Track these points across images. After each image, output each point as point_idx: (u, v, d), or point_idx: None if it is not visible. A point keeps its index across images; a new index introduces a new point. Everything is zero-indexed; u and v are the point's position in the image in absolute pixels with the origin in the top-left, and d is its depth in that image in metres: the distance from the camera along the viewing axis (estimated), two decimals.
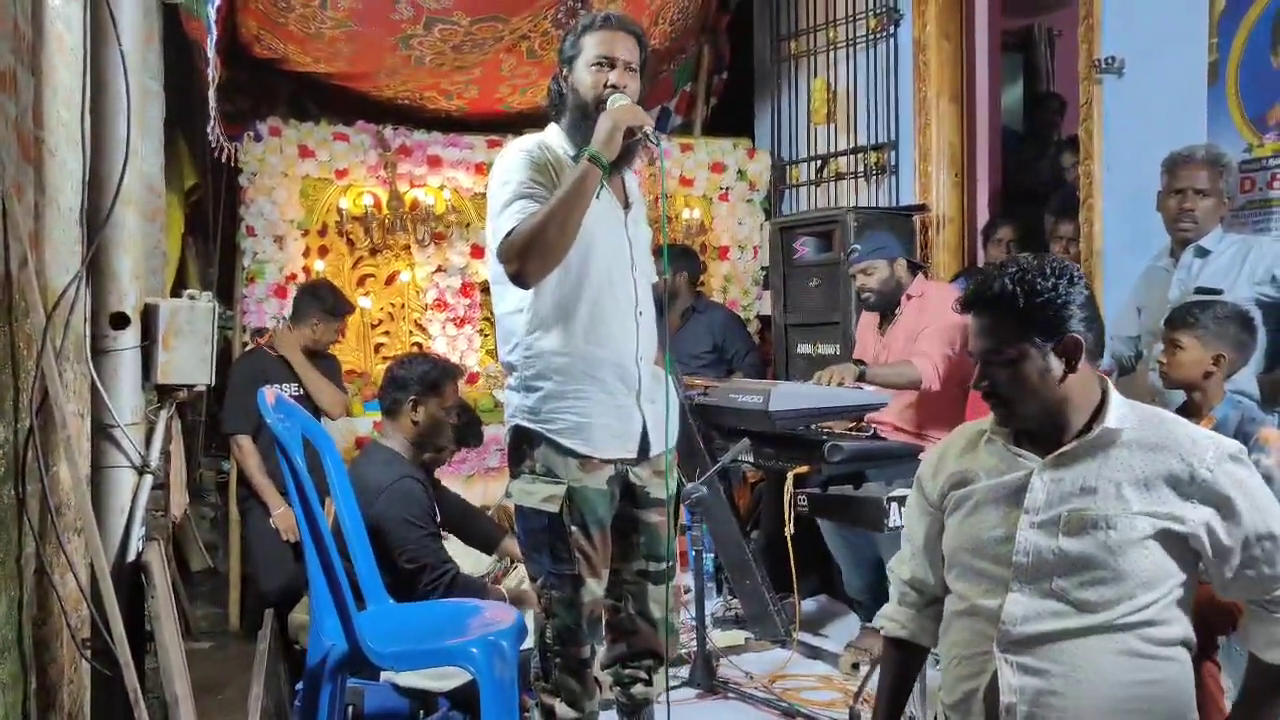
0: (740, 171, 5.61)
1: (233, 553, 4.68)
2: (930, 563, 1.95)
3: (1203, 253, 3.16)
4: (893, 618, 2.02)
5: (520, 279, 2.25)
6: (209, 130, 3.96)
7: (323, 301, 4.25)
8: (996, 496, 1.80)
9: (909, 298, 3.81)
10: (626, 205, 2.48)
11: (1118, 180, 3.83)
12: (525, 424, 2.38)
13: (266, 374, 4.13)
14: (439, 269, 5.13)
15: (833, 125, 5.39)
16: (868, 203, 5.13)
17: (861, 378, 3.52)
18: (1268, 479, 2.65)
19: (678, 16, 5.21)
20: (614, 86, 2.34)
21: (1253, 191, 3.33)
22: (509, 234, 2.23)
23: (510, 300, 2.38)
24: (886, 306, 3.86)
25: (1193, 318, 2.80)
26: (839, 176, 5.36)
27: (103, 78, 2.21)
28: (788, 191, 5.70)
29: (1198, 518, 1.68)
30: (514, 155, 2.36)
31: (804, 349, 4.83)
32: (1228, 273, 3.09)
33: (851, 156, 5.28)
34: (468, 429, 3.69)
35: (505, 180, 2.32)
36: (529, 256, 2.21)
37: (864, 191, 5.23)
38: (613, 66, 2.36)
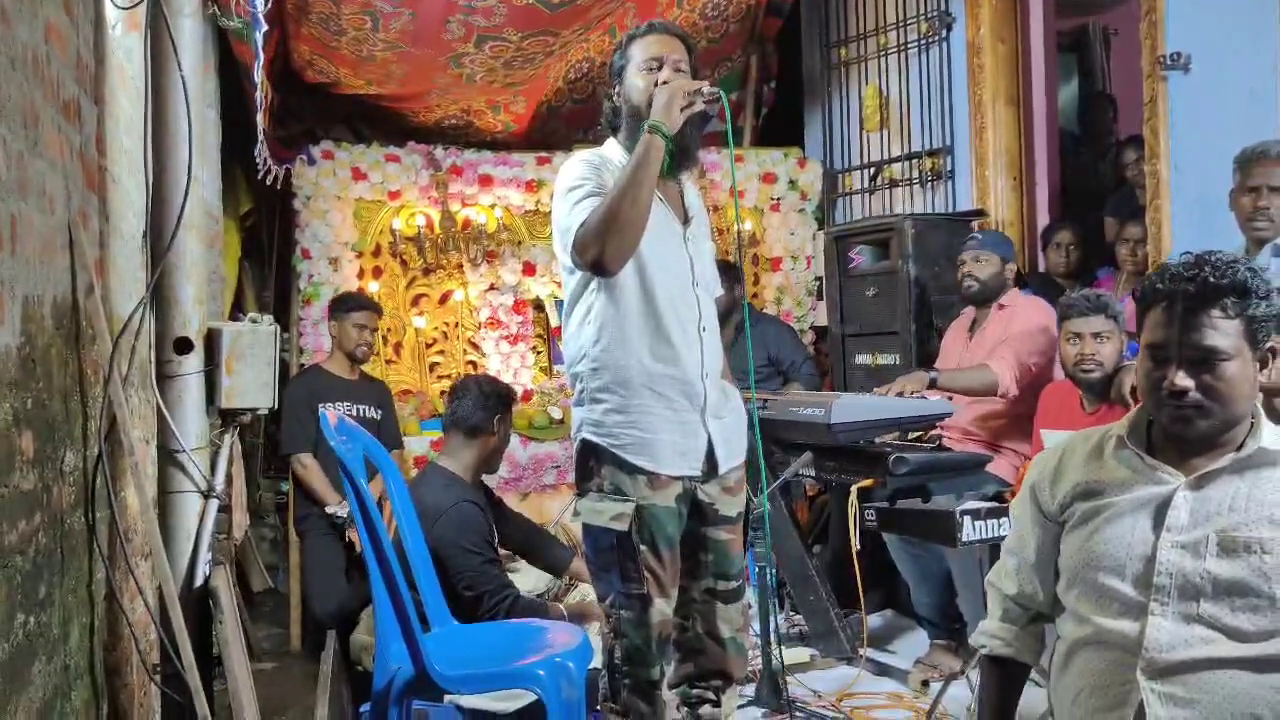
0: (791, 181, 5.55)
1: (293, 573, 4.70)
2: (1041, 578, 1.83)
3: None
4: (995, 634, 1.90)
5: (600, 265, 2.22)
6: (256, 153, 4.00)
7: (335, 305, 4.32)
8: (1133, 511, 1.67)
9: (1001, 306, 3.77)
10: (685, 220, 2.45)
11: (1186, 180, 3.72)
12: (591, 437, 2.35)
13: (321, 393, 4.17)
14: (491, 287, 5.14)
15: (886, 132, 5.32)
16: (923, 209, 5.05)
17: (933, 385, 3.45)
18: None
19: (712, 11, 5.12)
20: (665, 83, 2.32)
21: None
22: (582, 225, 2.22)
23: (577, 314, 2.36)
24: (983, 302, 3.83)
25: None
26: (893, 183, 5.28)
27: (163, 106, 2.23)
28: (840, 200, 5.63)
29: None
30: (575, 165, 2.36)
31: (863, 359, 4.75)
32: None
33: (906, 163, 5.20)
34: None
35: (570, 186, 2.31)
36: (607, 239, 2.19)
37: (919, 198, 5.15)
38: (662, 66, 2.35)
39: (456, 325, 5.17)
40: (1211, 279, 1.61)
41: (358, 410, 4.22)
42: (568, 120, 5.39)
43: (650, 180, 2.20)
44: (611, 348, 2.32)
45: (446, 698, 2.69)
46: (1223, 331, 1.61)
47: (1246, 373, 1.62)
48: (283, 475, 5.65)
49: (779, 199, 5.53)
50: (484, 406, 3.19)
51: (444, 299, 5.15)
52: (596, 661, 2.50)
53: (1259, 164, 3.07)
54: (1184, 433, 1.66)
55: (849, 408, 3.18)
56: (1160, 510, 1.65)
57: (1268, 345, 1.63)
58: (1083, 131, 6.02)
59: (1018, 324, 3.68)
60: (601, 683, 2.40)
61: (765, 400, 3.61)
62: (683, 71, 2.37)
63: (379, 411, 4.32)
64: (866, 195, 5.46)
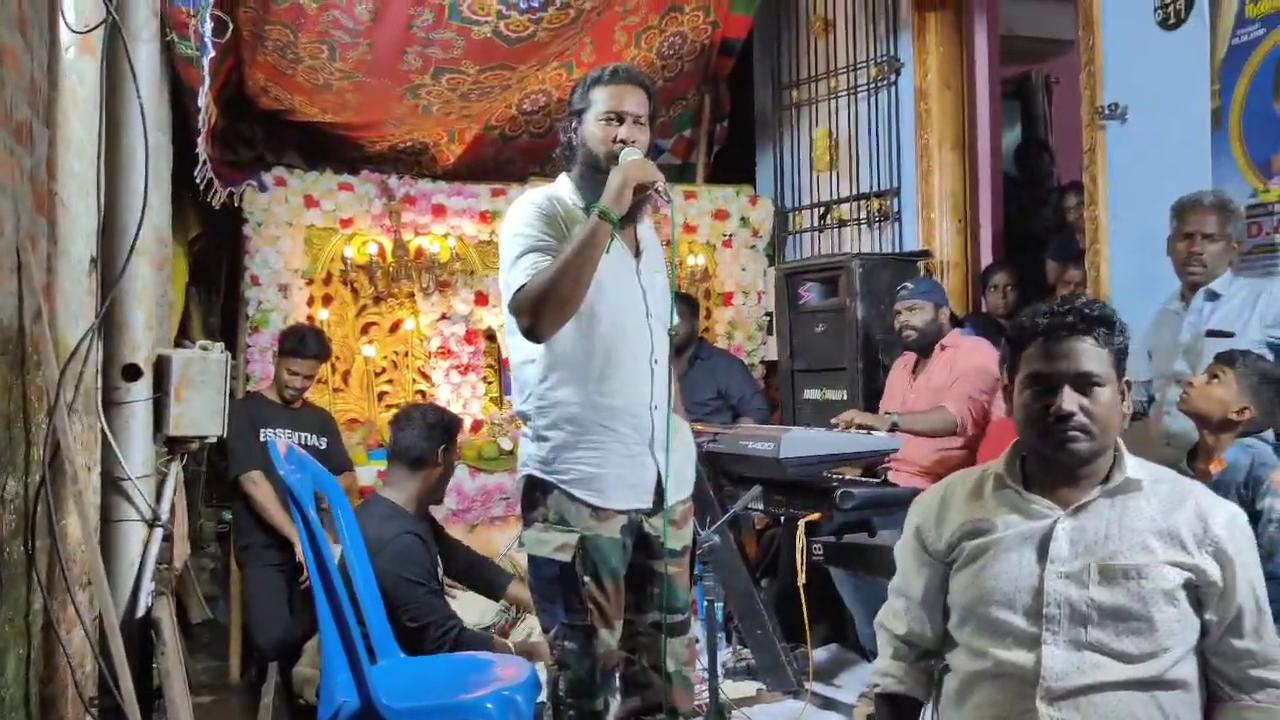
0: (743, 218, 5.63)
1: (233, 604, 4.62)
2: (929, 617, 1.89)
3: (1213, 296, 3.17)
4: (888, 673, 1.94)
5: (533, 334, 2.25)
6: (196, 175, 3.97)
7: (282, 342, 4.30)
8: (1018, 545, 1.75)
9: (943, 348, 3.89)
10: (638, 253, 2.48)
11: (1124, 226, 3.84)
12: (537, 473, 2.36)
13: (262, 418, 4.14)
14: (443, 316, 5.13)
15: (835, 172, 5.43)
16: (871, 249, 5.15)
17: (894, 428, 3.53)
18: None
19: (668, 52, 5.21)
20: (624, 141, 2.35)
21: (1259, 236, 3.34)
22: (521, 289, 2.23)
23: (523, 350, 2.37)
24: (923, 348, 3.95)
25: (1246, 364, 2.80)
26: (842, 223, 5.38)
27: (117, 130, 2.22)
28: (790, 238, 5.72)
29: (1213, 571, 1.68)
30: (524, 208, 2.36)
31: (811, 394, 4.81)
32: (1239, 316, 3.09)
33: (855, 203, 5.31)
34: None
35: (516, 233, 2.32)
36: (542, 312, 2.21)
37: (867, 238, 5.25)
38: (621, 121, 2.37)
39: (406, 354, 5.15)
40: (1085, 311, 1.75)
41: (300, 438, 4.19)
42: (525, 153, 5.42)
43: (593, 263, 2.23)
44: (558, 385, 2.33)
45: None
46: (1098, 359, 1.74)
47: (1116, 400, 1.75)
48: (224, 504, 5.56)
49: (731, 235, 5.60)
50: (428, 437, 3.17)
51: (394, 328, 5.13)
52: (544, 696, 2.49)
53: (1193, 212, 3.19)
54: (1071, 457, 1.74)
55: (798, 442, 3.22)
56: (1043, 543, 1.74)
57: (1125, 379, 1.77)
58: (1023, 176, 6.19)
59: (963, 363, 3.77)
60: (546, 716, 2.40)
61: (715, 434, 3.65)
62: (642, 125, 2.40)
63: (322, 439, 4.28)
64: (816, 233, 5.56)
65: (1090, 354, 1.72)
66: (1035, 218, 5.67)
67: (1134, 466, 1.76)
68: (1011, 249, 5.15)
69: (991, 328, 4.37)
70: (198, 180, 3.98)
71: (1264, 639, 1.70)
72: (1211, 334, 3.11)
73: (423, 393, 5.09)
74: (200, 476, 5.57)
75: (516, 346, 2.39)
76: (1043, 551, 1.73)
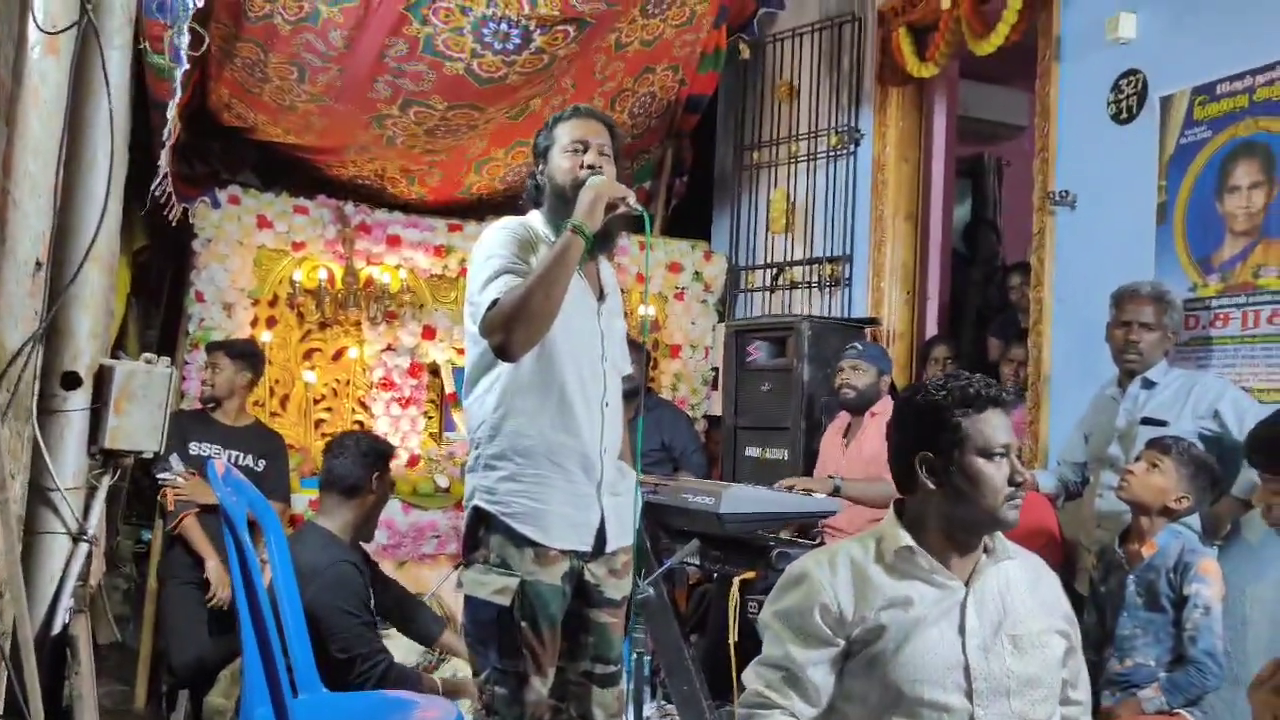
0: (697, 273, 5.67)
1: (145, 627, 4.47)
2: (814, 695, 1.76)
3: (1149, 384, 3.25)
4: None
5: (505, 351, 2.23)
6: (154, 187, 3.90)
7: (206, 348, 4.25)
8: (936, 621, 1.76)
9: (873, 415, 3.92)
10: (601, 296, 2.49)
11: (1067, 309, 3.94)
12: (483, 504, 2.34)
13: (190, 431, 4.06)
14: (388, 348, 5.07)
15: (790, 235, 5.51)
16: (820, 312, 5.22)
17: (836, 492, 3.55)
18: (1206, 609, 2.72)
19: (639, 110, 5.28)
20: (590, 167, 2.37)
21: (1196, 329, 3.45)
22: (493, 305, 2.22)
23: (482, 382, 2.36)
24: (858, 409, 4.00)
25: (1181, 452, 2.87)
26: (794, 285, 5.45)
27: (79, 135, 2.18)
28: (741, 296, 5.78)
29: (1074, 634, 1.84)
30: (496, 233, 2.37)
31: (753, 452, 4.84)
32: (1172, 405, 3.18)
33: (807, 267, 5.39)
34: None
35: (489, 255, 2.32)
36: (514, 328, 2.20)
37: (817, 301, 5.32)
38: (586, 149, 2.40)
39: (348, 383, 5.08)
40: (997, 388, 1.85)
41: (231, 456, 4.08)
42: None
43: (566, 277, 2.23)
44: (511, 415, 2.32)
45: None
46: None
47: None
48: (144, 523, 5.40)
49: (683, 288, 5.64)
50: (361, 465, 3.11)
51: (338, 355, 5.06)
52: None
53: (1131, 301, 3.29)
54: (1013, 524, 1.81)
55: (739, 499, 3.23)
56: (958, 616, 1.77)
57: None
58: (970, 253, 6.34)
59: None
60: None
61: (656, 485, 3.64)
62: (606, 155, 2.42)
63: (260, 462, 4.19)
64: (767, 293, 5.62)
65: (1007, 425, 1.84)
66: (980, 294, 5.79)
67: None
68: (955, 323, 5.26)
69: None
70: (156, 194, 3.91)
71: (1084, 688, 1.89)
72: (1146, 421, 3.19)
73: (361, 423, 5.01)
74: (121, 492, 5.41)
75: (475, 379, 2.38)
76: (961, 625, 1.75)
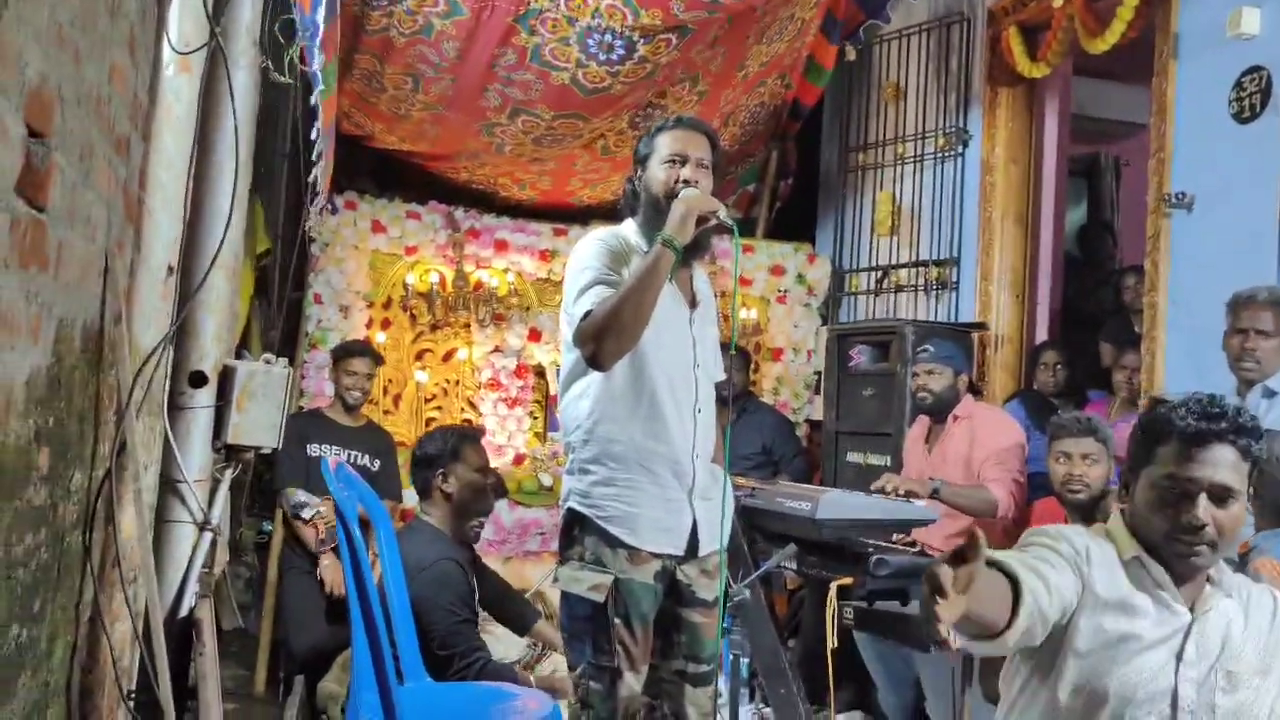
0: (800, 276, 5.67)
1: (266, 615, 4.68)
2: (1053, 595, 1.66)
3: (1270, 394, 3.13)
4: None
5: (596, 361, 2.30)
6: (310, 205, 4.08)
7: (334, 353, 4.40)
8: (1154, 645, 1.69)
9: (956, 418, 3.83)
10: (693, 304, 2.53)
11: (1182, 314, 3.82)
12: (578, 507, 2.40)
13: (313, 434, 4.23)
14: (496, 349, 5.21)
15: (896, 237, 5.45)
16: (926, 316, 5.15)
17: (935, 495, 3.51)
18: None
19: (748, 121, 5.35)
20: (686, 181, 2.41)
21: None
22: (585, 316, 2.29)
23: (576, 386, 2.42)
24: (938, 413, 3.90)
25: None
26: (899, 288, 5.39)
27: (208, 149, 2.32)
28: (845, 299, 5.74)
29: None
30: (591, 244, 2.43)
31: (854, 458, 4.81)
32: None
33: (913, 270, 5.32)
34: (499, 485, 3.70)
35: (583, 267, 2.38)
36: (605, 339, 2.26)
37: (923, 305, 5.25)
38: (684, 163, 2.43)
39: (457, 383, 5.23)
40: (1239, 421, 1.68)
41: (350, 456, 4.26)
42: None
43: (656, 290, 2.28)
44: (604, 421, 2.38)
45: None
46: (1239, 472, 1.68)
47: (1244, 513, 1.70)
48: (266, 515, 5.65)
49: (786, 291, 5.64)
50: (419, 470, 3.21)
51: (448, 356, 5.22)
52: None
53: (1247, 308, 3.17)
54: (1190, 568, 1.70)
55: (836, 504, 3.22)
56: (1179, 643, 1.70)
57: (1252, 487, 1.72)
58: (1084, 256, 6.16)
59: (990, 439, 3.71)
60: None
61: (754, 489, 3.66)
62: (705, 168, 2.46)
63: (375, 461, 4.35)
64: (872, 296, 5.57)
65: (1233, 466, 1.67)
66: (1093, 298, 5.63)
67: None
68: (1067, 327, 5.12)
69: (1041, 405, 4.34)
70: (313, 212, 4.09)
71: None
72: (1268, 433, 3.07)
73: (469, 421, 5.16)
74: (245, 486, 5.67)
75: (570, 382, 2.45)
76: (1179, 652, 1.69)
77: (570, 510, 2.43)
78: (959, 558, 1.38)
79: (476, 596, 3.20)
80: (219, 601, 5.31)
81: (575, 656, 2.40)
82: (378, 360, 4.47)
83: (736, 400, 4.85)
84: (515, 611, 3.53)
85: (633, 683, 2.37)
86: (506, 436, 5.16)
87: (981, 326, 4.86)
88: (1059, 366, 4.50)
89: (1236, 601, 1.75)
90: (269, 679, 4.60)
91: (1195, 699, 1.67)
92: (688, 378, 2.45)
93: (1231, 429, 1.67)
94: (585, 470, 2.40)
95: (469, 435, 3.31)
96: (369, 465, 4.31)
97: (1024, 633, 1.60)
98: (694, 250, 2.40)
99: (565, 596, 2.41)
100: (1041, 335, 4.95)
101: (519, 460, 5.15)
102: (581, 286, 2.34)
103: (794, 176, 5.99)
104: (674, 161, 2.44)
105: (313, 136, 3.23)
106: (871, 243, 5.59)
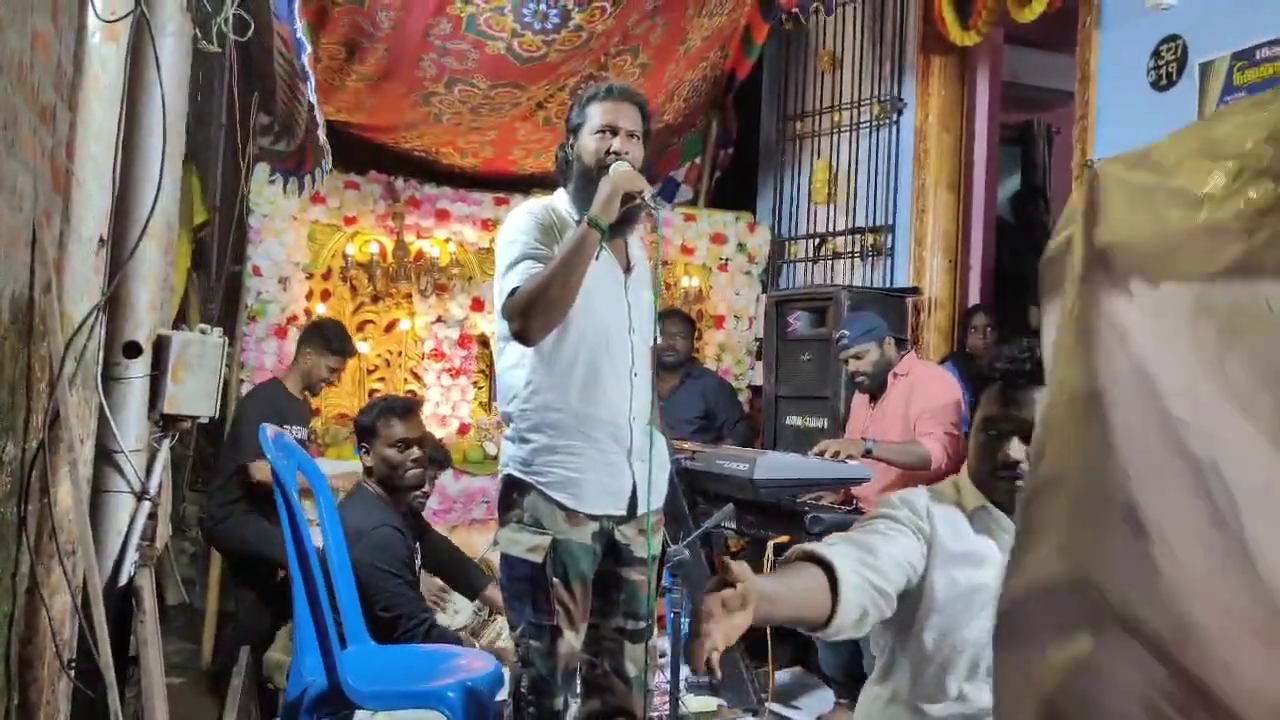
0: (740, 244, 5.73)
1: (211, 589, 4.67)
2: (890, 577, 1.69)
3: None
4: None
5: (523, 336, 2.34)
6: (314, 168, 4.04)
7: (325, 338, 4.31)
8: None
9: (895, 376, 3.90)
10: (628, 269, 2.57)
11: None
12: (516, 474, 2.44)
13: (284, 411, 4.15)
14: (438, 319, 5.22)
15: (833, 205, 5.53)
16: (862, 282, 5.25)
17: (868, 454, 3.59)
18: None
19: (691, 94, 5.39)
20: (615, 153, 2.44)
21: None
22: (513, 293, 2.33)
23: (511, 355, 2.46)
24: (881, 386, 3.95)
25: None
26: (836, 255, 5.49)
27: (136, 118, 2.31)
28: (785, 266, 5.83)
29: None
30: (521, 217, 2.46)
31: (793, 421, 4.91)
32: None
33: (849, 236, 5.42)
34: (433, 457, 3.66)
35: (511, 240, 2.42)
36: (531, 315, 2.30)
37: (859, 271, 5.35)
38: (615, 134, 2.46)
39: (400, 354, 5.23)
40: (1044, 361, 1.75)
41: (302, 432, 4.27)
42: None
43: (581, 269, 2.32)
44: (541, 390, 2.42)
45: (358, 713, 2.74)
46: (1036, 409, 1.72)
47: None
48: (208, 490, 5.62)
49: (727, 260, 5.71)
50: (357, 436, 3.26)
51: (390, 327, 5.22)
52: (505, 694, 2.57)
53: None
54: (1011, 504, 1.75)
55: (772, 465, 3.31)
56: None
57: None
58: (1018, 222, 6.30)
59: (924, 394, 3.79)
60: (506, 712, 2.47)
61: (693, 452, 3.74)
62: (635, 139, 2.49)
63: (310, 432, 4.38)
64: (810, 264, 5.66)
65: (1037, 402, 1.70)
66: (1026, 263, 5.77)
67: None
68: (1000, 291, 5.25)
69: (972, 367, 4.46)
70: (313, 174, 4.04)
71: None
72: None
73: (413, 392, 5.16)
74: (187, 460, 5.63)
75: (504, 351, 2.48)
76: None
77: (509, 476, 2.47)
78: (724, 583, 1.45)
79: (418, 561, 3.24)
80: (163, 576, 5.30)
81: (516, 616, 2.45)
82: (354, 356, 4.47)
83: (680, 367, 4.92)
84: (465, 576, 3.58)
85: (572, 640, 2.42)
86: (451, 407, 5.18)
87: (915, 291, 4.97)
88: (989, 329, 4.62)
89: None
90: (215, 652, 4.60)
91: None
92: (624, 342, 2.50)
93: (1039, 369, 1.69)
94: (524, 439, 2.44)
95: (393, 409, 3.23)
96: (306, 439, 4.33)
97: (857, 618, 1.64)
98: (621, 226, 2.44)
99: (505, 558, 2.45)
100: (974, 299, 5.07)
101: (464, 430, 5.17)
102: (509, 262, 2.38)
103: (734, 146, 6.05)
104: (604, 132, 2.46)
105: (310, 98, 3.23)
106: (809, 210, 5.67)
